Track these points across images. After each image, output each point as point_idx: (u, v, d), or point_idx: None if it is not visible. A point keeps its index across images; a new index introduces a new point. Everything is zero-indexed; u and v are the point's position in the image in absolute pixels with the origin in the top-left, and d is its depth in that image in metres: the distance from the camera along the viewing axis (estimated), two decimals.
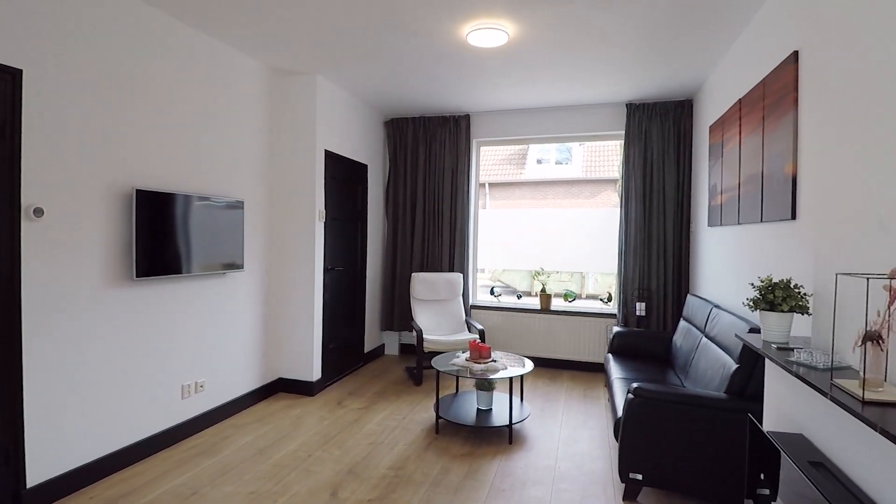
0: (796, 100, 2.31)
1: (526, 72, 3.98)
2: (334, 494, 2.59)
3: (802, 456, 1.46)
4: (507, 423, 3.28)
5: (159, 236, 2.92)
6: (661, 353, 4.00)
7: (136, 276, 2.78)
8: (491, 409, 3.54)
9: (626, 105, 4.72)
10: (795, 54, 2.32)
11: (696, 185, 4.40)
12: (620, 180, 4.83)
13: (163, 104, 3.01)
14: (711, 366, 2.85)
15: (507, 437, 3.34)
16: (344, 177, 4.69)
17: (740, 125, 3.08)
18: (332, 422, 3.58)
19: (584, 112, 4.96)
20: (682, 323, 3.88)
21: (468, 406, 3.60)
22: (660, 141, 4.64)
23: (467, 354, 3.63)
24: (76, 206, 2.53)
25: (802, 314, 1.80)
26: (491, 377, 3.34)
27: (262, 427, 3.46)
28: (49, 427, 2.43)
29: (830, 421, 1.49)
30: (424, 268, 5.35)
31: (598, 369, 4.97)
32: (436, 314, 5.00)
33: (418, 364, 4.45)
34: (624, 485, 2.61)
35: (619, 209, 4.84)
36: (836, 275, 1.34)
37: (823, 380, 1.35)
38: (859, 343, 1.26)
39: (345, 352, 4.76)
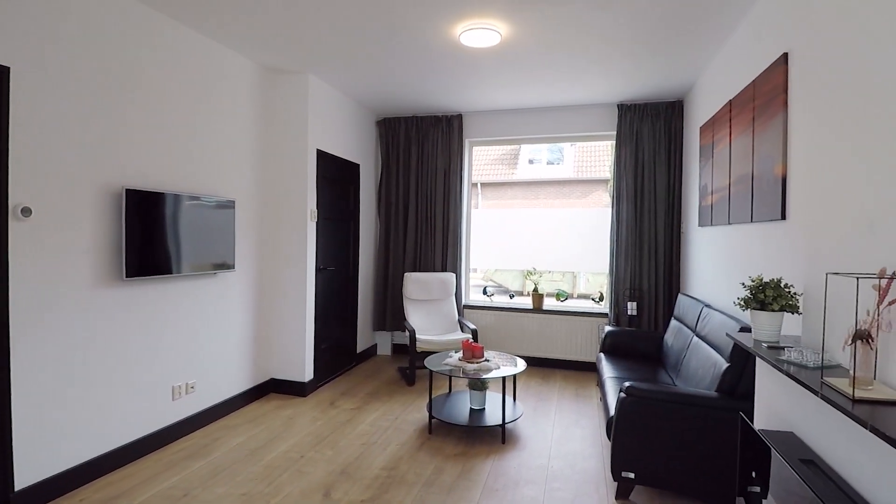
0: (786, 101, 2.34)
1: (519, 72, 3.98)
2: (327, 495, 2.58)
3: (793, 454, 1.47)
4: (500, 422, 3.28)
5: (149, 236, 2.89)
6: (652, 353, 4.02)
7: (126, 277, 2.75)
8: (484, 408, 3.55)
9: (618, 105, 4.75)
10: (785, 56, 2.35)
11: (687, 185, 4.43)
12: (612, 180, 4.86)
13: (153, 103, 2.98)
14: (702, 365, 2.88)
15: (500, 436, 3.35)
16: (336, 176, 4.68)
17: (730, 126, 3.10)
18: (324, 422, 3.56)
19: (576, 112, 4.98)
20: (674, 322, 3.91)
21: (461, 406, 3.60)
22: (651, 141, 4.67)
23: (460, 354, 3.63)
24: (65, 206, 2.49)
25: (793, 313, 1.83)
26: (484, 377, 3.34)
27: (253, 428, 3.43)
28: (38, 429, 2.40)
29: (821, 419, 1.51)
30: (417, 267, 5.34)
31: (591, 368, 5.00)
32: (428, 314, 5.00)
33: (411, 364, 4.45)
34: (616, 483, 2.63)
35: (610, 209, 4.87)
36: (827, 274, 1.35)
37: (814, 378, 1.37)
38: (849, 342, 1.28)
39: (337, 352, 4.74)
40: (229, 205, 3.53)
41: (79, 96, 2.54)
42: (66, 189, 2.49)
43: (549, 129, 5.07)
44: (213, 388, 3.53)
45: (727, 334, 2.07)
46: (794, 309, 1.80)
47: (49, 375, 2.45)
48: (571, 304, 5.32)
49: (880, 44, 1.36)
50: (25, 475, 2.35)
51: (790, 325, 2.19)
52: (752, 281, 1.89)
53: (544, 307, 5.17)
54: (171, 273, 3.03)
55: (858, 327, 1.26)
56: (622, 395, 2.54)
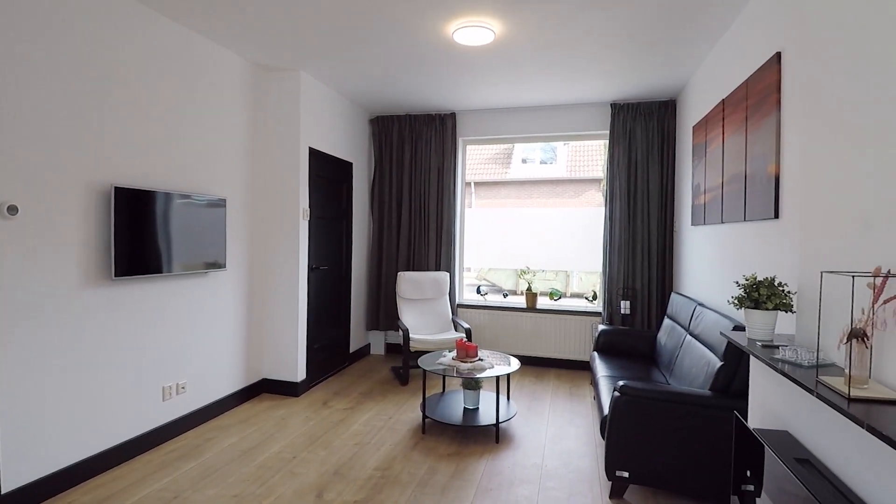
0: (779, 100, 2.34)
1: (512, 70, 3.97)
2: (320, 496, 2.56)
3: (788, 453, 1.47)
4: (494, 421, 3.27)
5: (139, 235, 2.85)
6: (645, 351, 4.03)
7: (115, 276, 2.71)
8: (478, 408, 3.54)
9: (611, 105, 4.75)
10: (778, 55, 2.35)
11: (680, 184, 4.45)
12: (605, 180, 4.86)
13: (142, 99, 2.94)
14: (696, 363, 2.88)
15: (494, 436, 3.34)
16: (329, 175, 4.65)
17: (723, 125, 3.11)
18: (317, 422, 3.54)
19: (569, 111, 4.99)
20: (667, 321, 3.92)
21: (455, 405, 3.59)
22: (644, 141, 4.68)
23: (454, 353, 3.62)
24: (52, 204, 2.45)
25: (786, 312, 1.83)
26: (478, 376, 3.33)
27: (245, 429, 3.40)
28: (25, 430, 2.36)
29: (816, 418, 1.51)
30: (410, 267, 5.32)
31: (584, 367, 5.00)
32: (422, 313, 4.98)
33: (405, 363, 4.43)
34: (611, 482, 2.63)
35: (603, 208, 4.87)
36: (822, 273, 1.35)
37: (809, 377, 1.36)
38: (844, 340, 1.27)
39: (330, 352, 4.71)
40: (220, 203, 3.49)
41: (64, 93, 2.50)
42: (53, 187, 2.45)
43: (542, 129, 5.06)
44: (205, 388, 3.49)
45: (721, 333, 2.07)
46: (787, 308, 1.80)
47: (36, 376, 2.40)
48: (565, 303, 5.33)
49: (875, 42, 1.36)
50: (12, 478, 2.31)
51: (783, 323, 2.20)
52: (746, 280, 1.89)
53: (538, 306, 5.17)
54: (160, 272, 2.99)
55: (853, 326, 1.26)
56: (616, 394, 2.54)
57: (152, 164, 3.02)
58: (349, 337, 5.08)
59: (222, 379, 3.67)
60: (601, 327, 4.28)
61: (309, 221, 4.25)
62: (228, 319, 3.72)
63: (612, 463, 2.51)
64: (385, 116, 5.38)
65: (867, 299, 1.30)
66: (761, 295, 1.82)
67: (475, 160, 11.76)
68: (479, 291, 5.62)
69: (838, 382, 1.28)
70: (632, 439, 2.47)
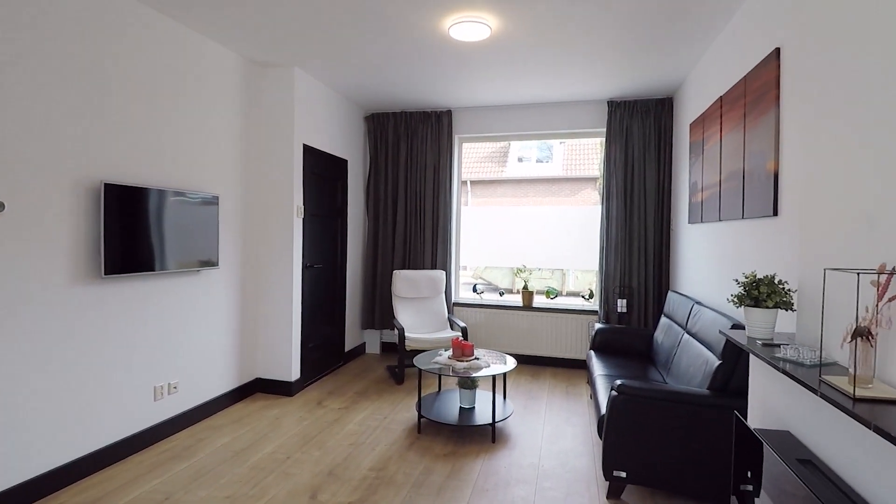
0: (778, 97, 2.32)
1: (508, 67, 3.94)
2: (314, 497, 2.52)
3: (790, 453, 1.45)
4: (490, 421, 3.24)
5: (129, 232, 2.80)
6: (642, 350, 4.01)
7: (105, 274, 2.66)
8: (474, 407, 3.51)
9: (608, 102, 4.73)
10: (777, 51, 2.33)
11: (677, 182, 4.43)
12: (602, 178, 4.84)
13: (132, 96, 2.89)
14: (693, 362, 2.86)
15: (491, 435, 3.31)
16: (323, 172, 4.60)
17: (721, 123, 3.09)
18: (311, 422, 3.50)
19: (566, 109, 4.96)
20: (664, 319, 3.90)
21: (451, 405, 3.55)
22: (641, 138, 4.66)
23: (450, 352, 3.59)
24: (40, 201, 2.40)
25: (787, 310, 1.80)
26: (473, 375, 3.30)
27: (238, 429, 3.36)
28: (13, 431, 2.31)
29: (818, 418, 1.49)
30: (406, 265, 5.28)
31: (580, 366, 4.98)
32: (418, 312, 4.95)
33: (400, 363, 4.39)
34: (608, 482, 2.60)
35: (600, 206, 4.85)
36: (825, 270, 1.33)
37: (811, 376, 1.34)
38: (848, 339, 1.25)
39: (325, 351, 4.67)
40: (213, 200, 3.44)
41: (53, 88, 2.44)
42: (40, 183, 2.40)
43: (539, 126, 5.04)
44: (197, 388, 3.45)
45: (720, 331, 2.05)
46: (788, 306, 1.78)
47: (23, 376, 2.35)
48: (561, 302, 5.30)
49: (878, 35, 1.34)
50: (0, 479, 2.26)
51: (782, 322, 2.18)
52: (746, 277, 1.87)
53: (534, 305, 5.14)
54: (151, 270, 2.94)
55: (858, 324, 1.23)
56: (614, 393, 2.51)
57: (143, 161, 2.97)
58: (344, 336, 5.03)
59: (215, 378, 3.62)
60: (598, 326, 4.26)
61: (303, 219, 4.20)
62: (221, 318, 3.67)
63: (609, 463, 2.49)
64: (380, 113, 5.33)
65: (870, 297, 1.27)
66: (761, 293, 1.80)
67: (471, 159, 11.73)
68: (475, 290, 5.59)
69: (842, 382, 1.25)
70: (629, 439, 2.45)
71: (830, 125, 1.59)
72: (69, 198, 2.54)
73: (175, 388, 3.24)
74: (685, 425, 2.37)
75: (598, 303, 4.94)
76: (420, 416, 3.38)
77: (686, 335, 3.23)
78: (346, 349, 5.10)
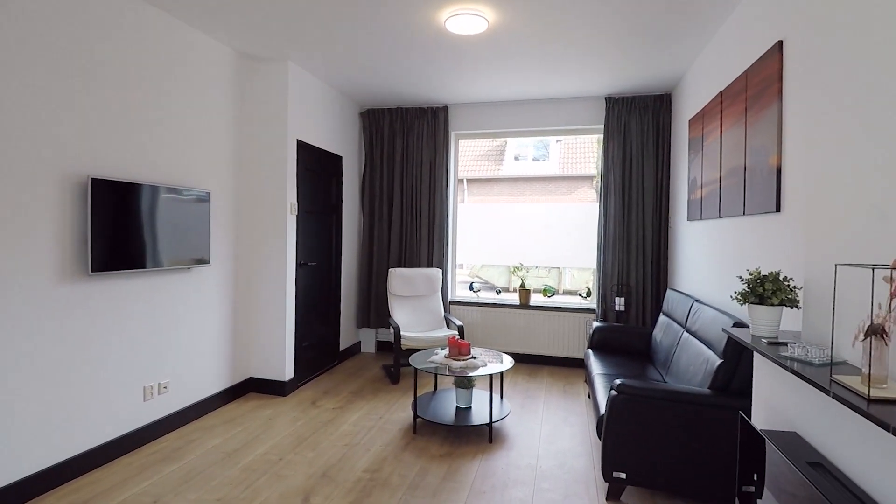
0: (781, 90, 2.27)
1: (506, 61, 3.88)
2: (306, 500, 2.46)
3: (799, 456, 1.40)
4: (487, 421, 3.19)
5: (117, 228, 2.73)
6: (641, 348, 3.97)
7: (92, 271, 2.59)
8: (470, 407, 3.46)
9: (606, 99, 4.68)
10: (780, 44, 2.28)
11: (675, 179, 4.38)
12: (599, 175, 4.79)
13: (120, 89, 2.81)
14: (693, 361, 2.81)
15: (488, 435, 3.26)
16: (317, 168, 4.53)
17: (721, 118, 3.05)
18: (305, 423, 3.44)
19: (563, 105, 4.91)
20: (662, 318, 3.85)
21: (447, 404, 3.50)
22: (639, 135, 4.61)
23: (446, 351, 3.53)
24: (23, 196, 2.32)
25: (792, 308, 1.76)
26: (470, 374, 3.24)
27: (230, 429, 3.29)
28: None
29: (827, 418, 1.44)
30: (402, 263, 5.22)
31: (578, 364, 4.94)
32: (414, 310, 4.89)
33: (396, 362, 4.34)
34: (607, 484, 2.55)
35: (597, 204, 4.80)
36: (836, 265, 1.28)
37: (821, 376, 1.29)
38: (861, 337, 1.20)
39: (319, 350, 4.61)
40: (204, 197, 3.37)
41: (39, 81, 2.37)
42: (25, 178, 2.32)
43: (536, 123, 4.98)
44: (188, 387, 3.38)
45: (723, 329, 2.00)
46: (793, 303, 1.73)
47: (7, 375, 2.28)
48: (558, 300, 5.26)
49: (883, 25, 1.29)
50: None
51: (786, 320, 2.13)
52: (750, 274, 1.82)
53: (531, 303, 5.09)
54: (140, 268, 2.87)
55: (872, 322, 1.18)
56: (614, 392, 2.46)
57: (132, 156, 2.89)
58: (339, 335, 4.97)
59: (207, 378, 3.55)
60: (595, 324, 4.21)
61: (297, 216, 4.14)
62: (213, 317, 3.60)
63: (608, 463, 2.44)
64: (376, 109, 5.26)
65: (880, 293, 1.22)
66: (766, 290, 1.75)
67: (467, 157, 11.67)
68: (471, 288, 5.53)
69: (854, 381, 1.20)
70: (629, 439, 2.40)
71: (836, 117, 1.54)
72: (55, 193, 2.47)
73: (165, 388, 3.18)
74: (686, 425, 2.32)
75: (595, 301, 4.89)
76: (416, 416, 3.32)
77: (686, 333, 3.19)
78: (341, 348, 5.04)
